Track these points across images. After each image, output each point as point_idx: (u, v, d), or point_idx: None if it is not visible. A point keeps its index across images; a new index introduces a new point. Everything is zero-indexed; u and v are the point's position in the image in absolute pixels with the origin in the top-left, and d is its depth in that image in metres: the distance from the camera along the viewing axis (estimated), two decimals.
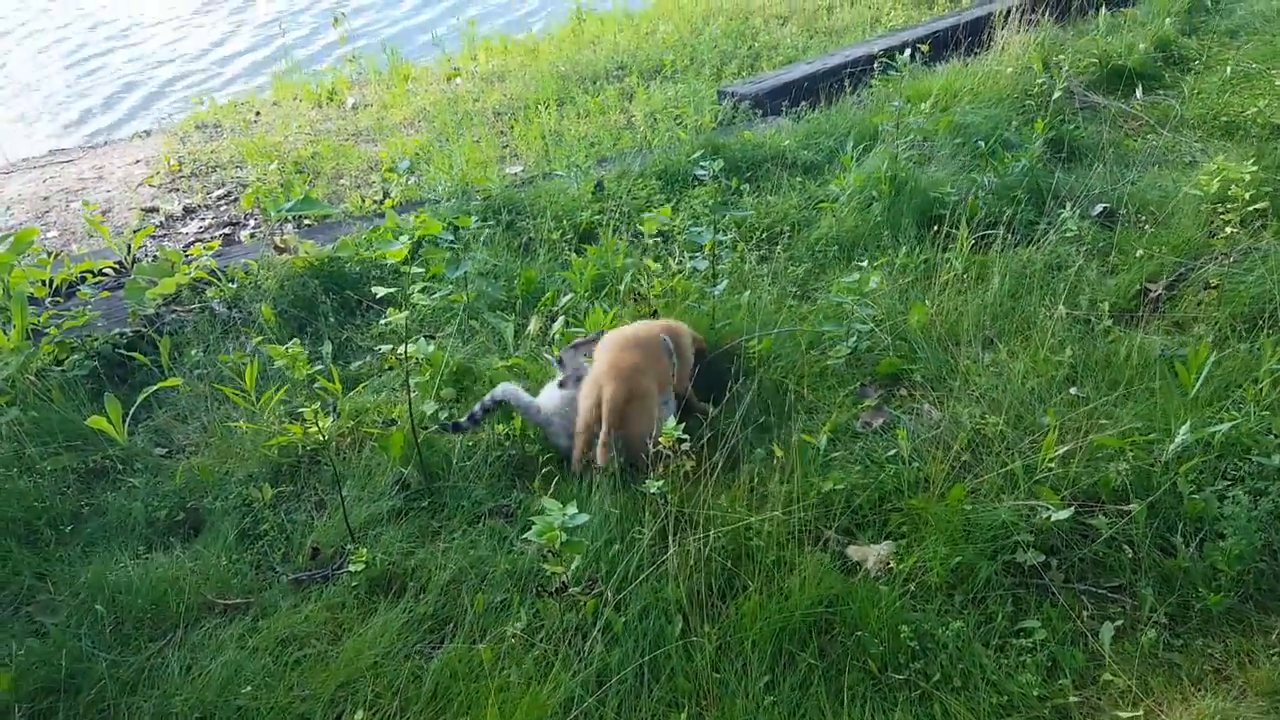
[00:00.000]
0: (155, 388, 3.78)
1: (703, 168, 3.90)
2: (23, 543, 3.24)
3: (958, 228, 4.58)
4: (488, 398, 3.44)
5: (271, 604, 3.04)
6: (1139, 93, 6.33)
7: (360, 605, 3.00)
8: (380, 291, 3.01)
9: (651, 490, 2.95)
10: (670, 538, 2.92)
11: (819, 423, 3.58)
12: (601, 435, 3.19)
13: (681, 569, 2.85)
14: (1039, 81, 6.11)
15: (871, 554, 3.01)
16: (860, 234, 4.82)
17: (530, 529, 2.65)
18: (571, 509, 2.42)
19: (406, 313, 3.00)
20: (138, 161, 7.46)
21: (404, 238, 2.94)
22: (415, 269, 3.08)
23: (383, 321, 3.12)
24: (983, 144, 5.36)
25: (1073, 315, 4.06)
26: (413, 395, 3.25)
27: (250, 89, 9.76)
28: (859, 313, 3.81)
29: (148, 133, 8.48)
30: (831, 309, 4.21)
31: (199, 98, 8.97)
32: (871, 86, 6.68)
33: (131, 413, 3.80)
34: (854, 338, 3.80)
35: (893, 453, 3.34)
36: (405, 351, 3.06)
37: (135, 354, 4.10)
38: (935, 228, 4.77)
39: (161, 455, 3.74)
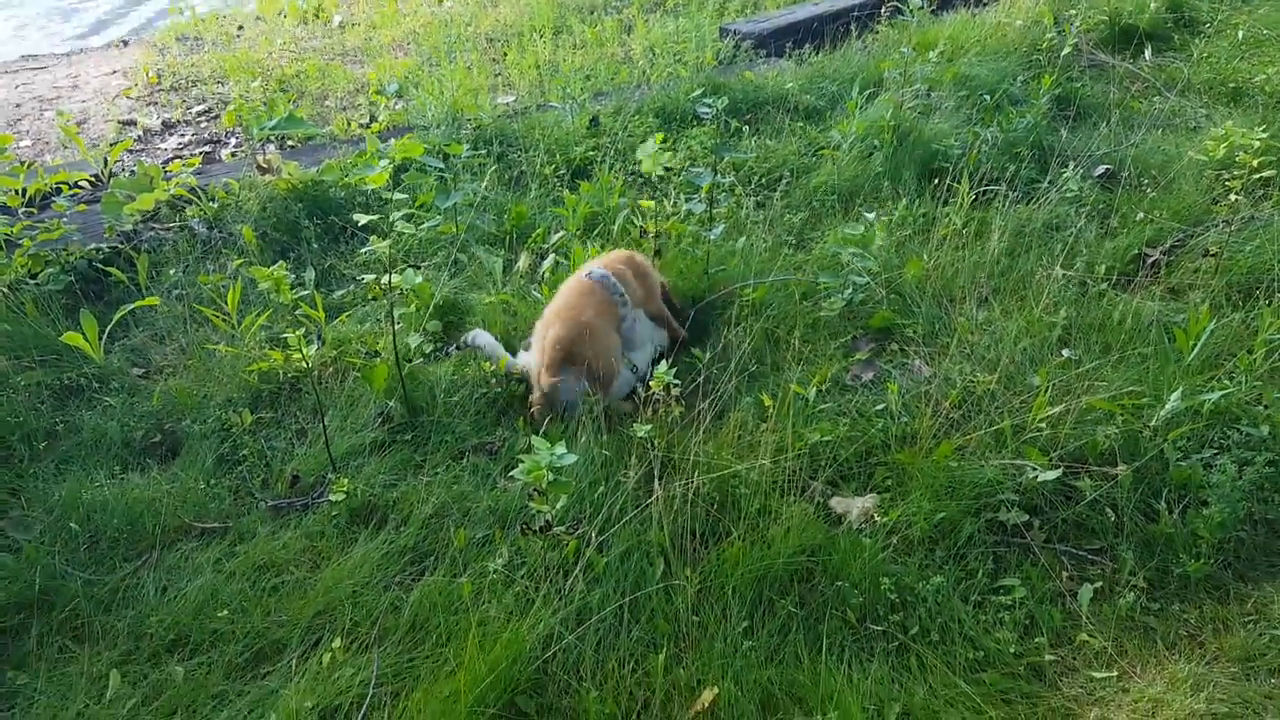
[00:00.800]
0: (133, 306, 3.68)
1: (706, 105, 3.78)
2: None
3: (959, 182, 4.51)
4: (464, 339, 3.37)
5: (250, 530, 3.00)
6: (1148, 54, 6.21)
7: (340, 535, 2.96)
8: (362, 219, 2.91)
9: (639, 435, 2.92)
10: (656, 482, 2.90)
11: (810, 374, 3.55)
12: (540, 377, 3.19)
13: (665, 513, 2.83)
14: (1048, 37, 5.97)
15: (855, 506, 3.01)
16: (860, 183, 4.74)
17: (515, 467, 2.62)
18: (560, 449, 2.38)
19: (389, 241, 2.90)
20: (114, 72, 7.19)
21: (385, 163, 2.82)
22: (400, 195, 2.96)
23: (365, 250, 3.02)
24: (988, 98, 5.25)
25: (1069, 277, 4.03)
26: (397, 327, 3.17)
27: (232, 1, 9.40)
28: (856, 264, 3.75)
29: (125, 42, 8.17)
30: (828, 259, 4.15)
31: (178, 7, 8.63)
32: (877, 32, 6.52)
33: (108, 331, 3.71)
34: (849, 290, 3.74)
35: (881, 407, 3.32)
36: (389, 282, 2.97)
37: (112, 270, 3.98)
38: (936, 180, 4.70)
39: (139, 375, 3.65)
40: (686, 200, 4.38)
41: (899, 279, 4.00)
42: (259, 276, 2.81)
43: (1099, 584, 2.81)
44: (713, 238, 3.85)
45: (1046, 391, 3.16)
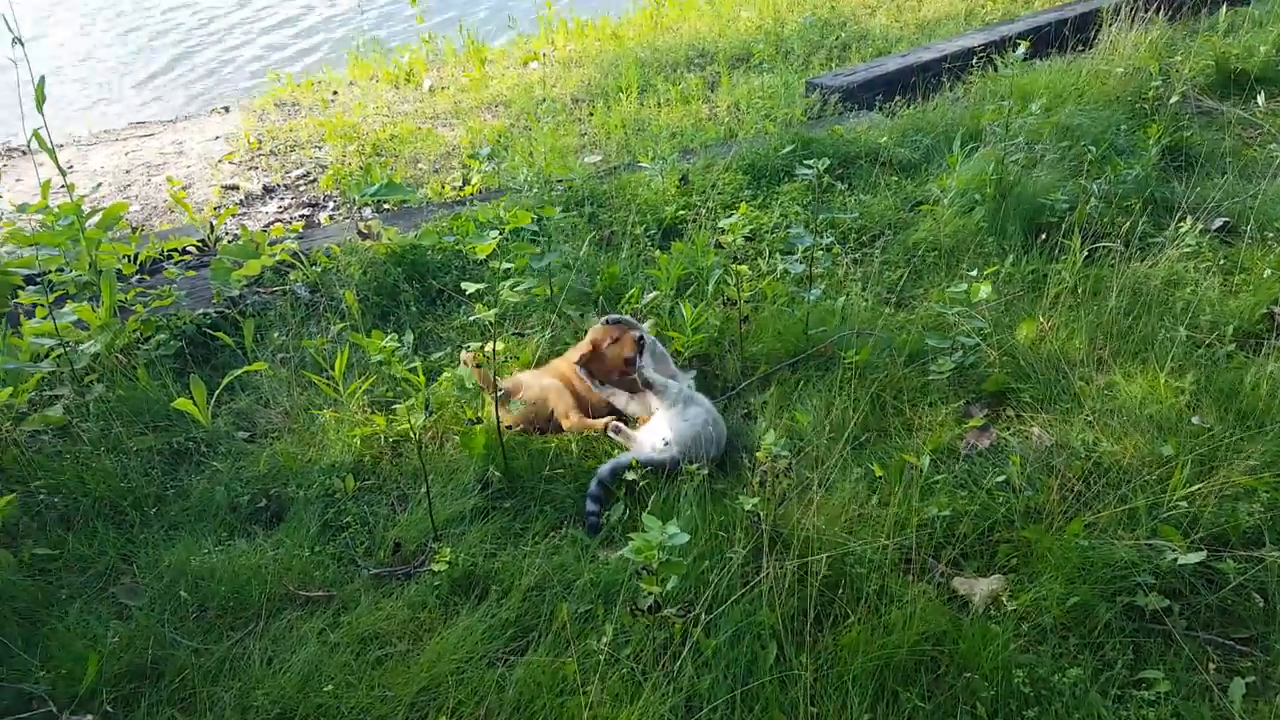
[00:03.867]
0: (240, 371, 3.75)
1: (807, 166, 3.73)
2: (109, 522, 3.24)
3: (1067, 237, 4.34)
4: (604, 471, 3.27)
5: (353, 598, 2.97)
6: (1261, 99, 5.94)
7: (442, 606, 2.92)
8: (470, 287, 2.91)
9: (746, 507, 2.81)
10: (765, 558, 2.78)
11: (920, 442, 3.40)
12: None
13: (776, 593, 2.71)
14: (1154, 84, 5.76)
15: (979, 588, 2.83)
16: (962, 239, 4.59)
17: (615, 538, 2.54)
18: (672, 527, 2.29)
19: (495, 309, 2.89)
20: (216, 137, 7.52)
21: (493, 232, 2.83)
22: (503, 264, 2.96)
23: (470, 319, 3.02)
24: (1093, 149, 5.07)
25: (1193, 338, 3.80)
26: (498, 394, 3.15)
27: (322, 62, 9.77)
28: (964, 324, 3.60)
29: (226, 109, 8.56)
30: (932, 319, 4.01)
31: (276, 74, 9.02)
32: (969, 83, 6.40)
33: (215, 395, 3.78)
34: (959, 352, 3.59)
35: (1002, 479, 3.15)
36: (494, 350, 2.95)
37: (219, 334, 4.08)
38: (1043, 236, 4.54)
39: (244, 439, 3.71)
40: (783, 259, 4.31)
41: (1010, 340, 3.84)
42: (370, 349, 2.83)
43: (1251, 679, 2.57)
44: (812, 298, 3.75)
45: (1183, 466, 2.95)
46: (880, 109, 6.35)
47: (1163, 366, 3.61)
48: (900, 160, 5.43)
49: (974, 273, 3.61)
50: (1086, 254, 4.25)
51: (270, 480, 3.44)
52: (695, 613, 2.67)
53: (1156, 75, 5.89)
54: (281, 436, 3.68)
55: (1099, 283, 4.14)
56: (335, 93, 8.56)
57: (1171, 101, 5.58)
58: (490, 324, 2.92)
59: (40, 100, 3.98)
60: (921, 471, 3.16)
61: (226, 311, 4.28)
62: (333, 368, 3.65)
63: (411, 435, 2.87)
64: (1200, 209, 4.77)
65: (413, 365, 3.26)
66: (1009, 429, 3.48)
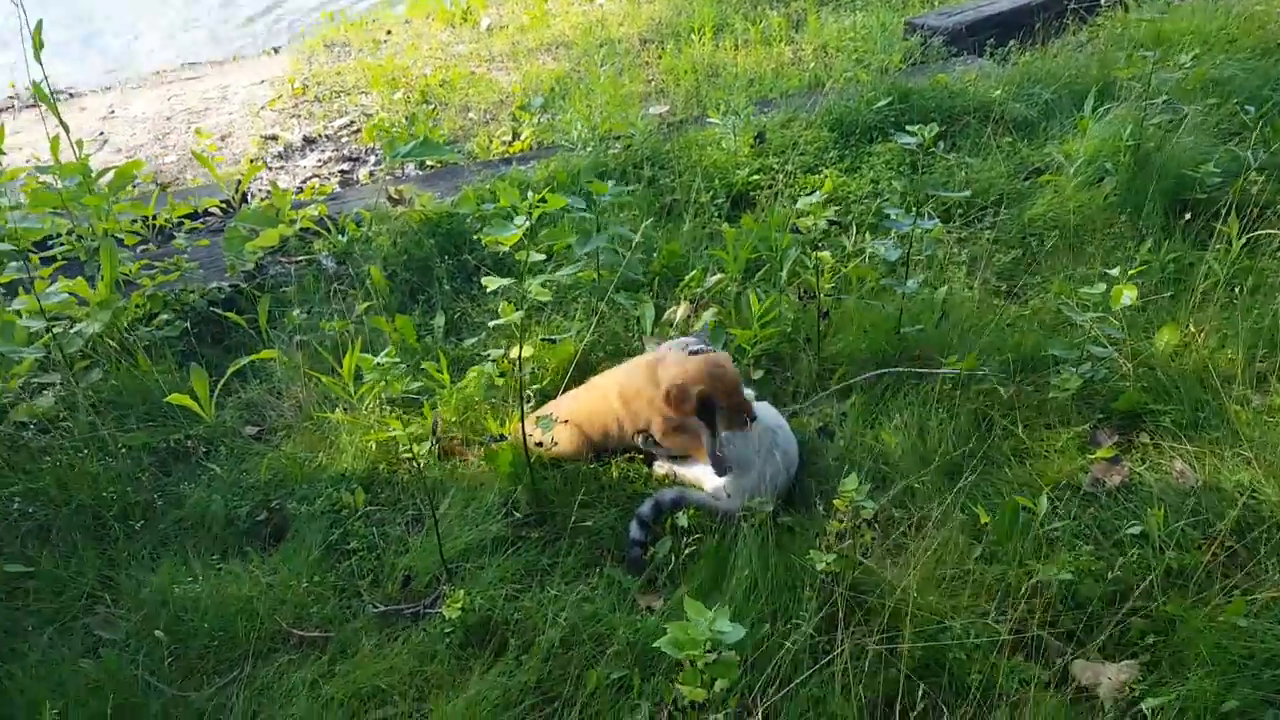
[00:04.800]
0: (246, 360, 3.34)
1: (909, 132, 3.08)
2: (90, 536, 2.88)
3: (1219, 219, 3.60)
4: (645, 510, 2.75)
5: (353, 640, 2.56)
6: None
7: (454, 658, 2.48)
8: (493, 283, 2.40)
9: (819, 566, 2.28)
10: (840, 630, 2.26)
11: (1034, 473, 2.80)
12: None
13: (853, 675, 2.18)
14: None
15: (1106, 676, 2.26)
16: (1088, 217, 3.88)
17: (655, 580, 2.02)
18: (723, 620, 1.78)
19: (521, 313, 2.37)
20: (263, 81, 7.11)
21: (521, 220, 2.29)
22: (536, 255, 2.43)
23: (493, 324, 2.53)
24: (1250, 109, 4.24)
25: None
26: (526, 407, 2.66)
27: (383, 3, 9.24)
28: (1096, 331, 2.95)
29: (276, 49, 8.13)
30: (1052, 316, 3.36)
31: (330, 13, 8.54)
32: (1096, 25, 5.54)
33: (223, 382, 3.39)
34: (1087, 363, 2.95)
35: (1137, 529, 2.54)
36: (520, 359, 2.45)
37: (230, 315, 3.67)
38: (1187, 216, 3.79)
39: (252, 435, 3.32)
40: (872, 238, 3.68)
41: (1147, 347, 3.17)
42: (365, 364, 2.36)
43: None
44: (908, 292, 3.14)
45: None
46: (991, 54, 5.54)
47: None
48: (1015, 118, 4.67)
49: (1114, 270, 2.93)
50: (1244, 241, 3.51)
51: (273, 489, 3.04)
52: (752, 696, 2.17)
53: None
54: (293, 434, 3.27)
55: (1259, 278, 3.41)
56: (389, 32, 8.06)
57: None
58: (516, 328, 2.41)
59: (38, 47, 3.58)
60: (1037, 518, 2.57)
61: (242, 287, 3.87)
62: (352, 349, 3.20)
63: (417, 459, 2.40)
64: None
65: (438, 365, 2.78)
66: (1144, 461, 2.84)
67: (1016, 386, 3.07)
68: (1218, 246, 3.50)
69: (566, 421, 2.81)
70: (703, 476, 2.81)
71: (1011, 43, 5.55)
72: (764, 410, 2.88)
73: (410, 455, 2.61)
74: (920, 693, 2.18)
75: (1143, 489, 2.71)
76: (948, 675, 2.23)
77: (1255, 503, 2.62)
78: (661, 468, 2.92)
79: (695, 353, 2.73)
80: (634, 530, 2.64)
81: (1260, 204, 3.80)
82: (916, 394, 3.12)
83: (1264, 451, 2.77)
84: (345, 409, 3.21)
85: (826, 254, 3.12)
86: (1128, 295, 2.83)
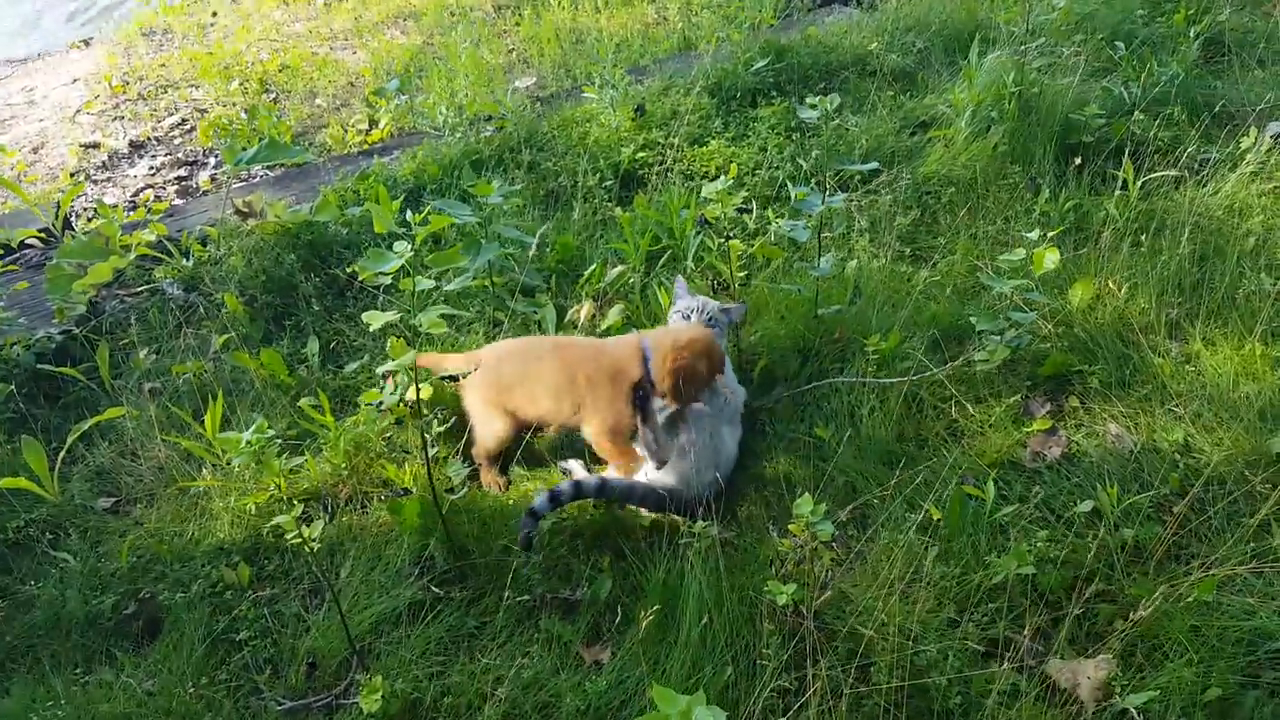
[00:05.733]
0: (89, 424, 2.86)
1: (811, 107, 2.87)
2: None
3: (1106, 160, 3.57)
4: (565, 484, 2.52)
5: None
6: None
7: None
8: (377, 320, 2.06)
9: (780, 601, 2.09)
10: (809, 666, 2.08)
11: (973, 453, 2.70)
12: None
13: (828, 715, 2.02)
14: None
15: (1084, 675, 2.16)
16: (980, 169, 3.79)
17: (600, 627, 1.78)
18: (699, 707, 1.55)
19: (414, 352, 2.05)
20: (75, 80, 6.29)
21: (403, 246, 1.96)
22: (424, 281, 2.11)
23: (381, 370, 2.20)
24: (1122, 47, 4.25)
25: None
26: (431, 451, 2.34)
27: None
28: (1017, 299, 2.85)
29: (86, 42, 7.22)
30: (963, 278, 3.26)
31: None
32: None
33: (64, 451, 2.91)
34: (1011, 331, 2.85)
35: (1088, 506, 2.46)
36: (419, 402, 2.13)
37: (64, 369, 3.16)
38: (1078, 160, 3.76)
39: (106, 509, 2.86)
40: (775, 215, 3.49)
41: (1063, 304, 3.11)
42: (230, 445, 1.98)
43: None
44: (821, 274, 2.96)
45: None
46: (858, 2, 5.41)
47: (1251, 330, 2.92)
48: (894, 69, 4.55)
49: (1033, 235, 2.83)
50: (1140, 185, 3.49)
51: (140, 574, 2.62)
52: None
53: None
54: (155, 504, 2.83)
55: (1152, 219, 3.41)
56: (214, 15, 7.29)
57: None
58: (407, 372, 2.08)
59: None
60: (987, 505, 2.46)
61: (75, 331, 3.35)
62: (213, 404, 2.78)
63: (305, 546, 2.05)
64: (1250, 112, 4.02)
65: (316, 403, 2.43)
66: (1079, 427, 2.78)
67: (947, 365, 2.95)
68: (1107, 190, 3.47)
69: None
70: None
71: None
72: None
73: (300, 541, 2.24)
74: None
75: (1084, 460, 2.64)
76: (922, 696, 2.09)
77: (1195, 462, 2.59)
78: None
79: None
80: (526, 523, 2.42)
81: (1144, 143, 3.81)
82: (841, 379, 2.97)
83: (1192, 404, 2.75)
84: (214, 469, 2.79)
85: (737, 242, 2.89)
86: (1050, 259, 2.72)
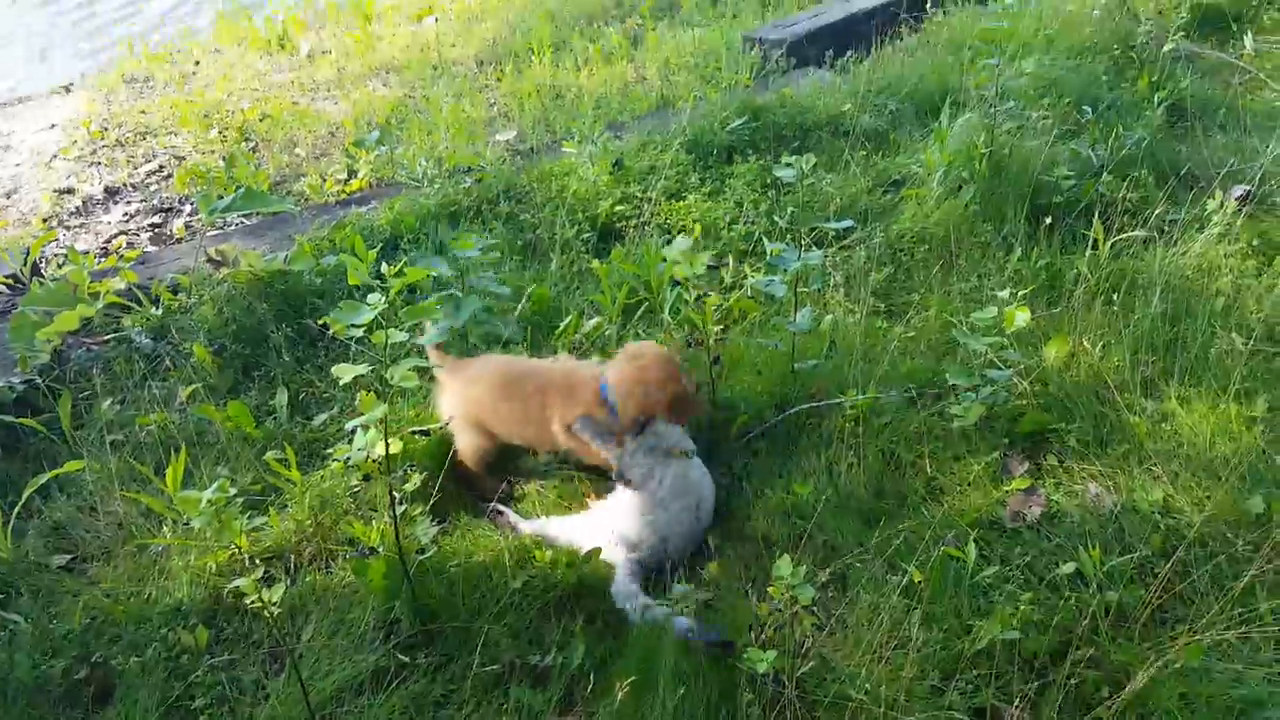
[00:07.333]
0: (46, 476, 2.77)
1: (788, 166, 2.90)
2: None
3: (1076, 220, 3.63)
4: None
5: None
6: (1249, 41, 5.31)
7: None
8: (347, 374, 2.02)
9: (759, 669, 2.03)
10: None
11: (953, 510, 2.67)
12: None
13: None
14: (1143, 29, 5.06)
15: None
16: (952, 227, 3.84)
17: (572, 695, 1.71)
18: None
19: (385, 406, 2.00)
20: (53, 125, 6.26)
21: (376, 298, 1.93)
22: (397, 335, 2.08)
23: (352, 425, 2.15)
24: (1090, 111, 4.36)
25: (1251, 347, 3.14)
26: (398, 510, 2.28)
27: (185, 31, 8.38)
28: (992, 355, 2.86)
29: (68, 88, 7.20)
30: (937, 334, 3.28)
31: (128, 42, 7.66)
32: (923, 31, 5.61)
33: (19, 505, 2.81)
34: (988, 388, 2.85)
35: (1071, 568, 2.43)
36: (388, 459, 2.08)
37: (24, 420, 3.07)
38: (1048, 220, 3.81)
39: (61, 567, 2.76)
40: (752, 271, 3.50)
41: (1038, 361, 3.12)
42: (189, 506, 1.92)
43: None
44: (799, 329, 2.96)
45: None
46: (831, 65, 5.52)
47: (1225, 389, 2.94)
48: (866, 130, 4.63)
49: (1004, 294, 2.85)
50: (1110, 244, 3.54)
51: (93, 637, 2.50)
52: None
53: (1145, 11, 5.19)
54: (112, 561, 2.73)
55: (1123, 278, 3.45)
56: (197, 63, 7.31)
57: (1165, 49, 4.89)
58: (376, 427, 2.04)
59: None
60: (968, 567, 2.43)
61: (37, 380, 3.26)
62: (175, 459, 2.70)
63: (265, 611, 1.98)
64: (1214, 175, 4.11)
65: (283, 456, 2.36)
66: (1058, 486, 2.76)
67: (922, 420, 2.93)
68: (1079, 249, 3.52)
69: None
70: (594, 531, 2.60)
71: (849, 52, 5.55)
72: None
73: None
74: None
75: (1064, 520, 2.62)
76: None
77: (1175, 523, 2.58)
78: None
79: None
80: None
81: (1113, 204, 3.87)
82: (820, 434, 2.95)
83: (1170, 464, 2.75)
84: (175, 526, 2.71)
85: (714, 297, 2.89)
86: (1021, 317, 2.74)
